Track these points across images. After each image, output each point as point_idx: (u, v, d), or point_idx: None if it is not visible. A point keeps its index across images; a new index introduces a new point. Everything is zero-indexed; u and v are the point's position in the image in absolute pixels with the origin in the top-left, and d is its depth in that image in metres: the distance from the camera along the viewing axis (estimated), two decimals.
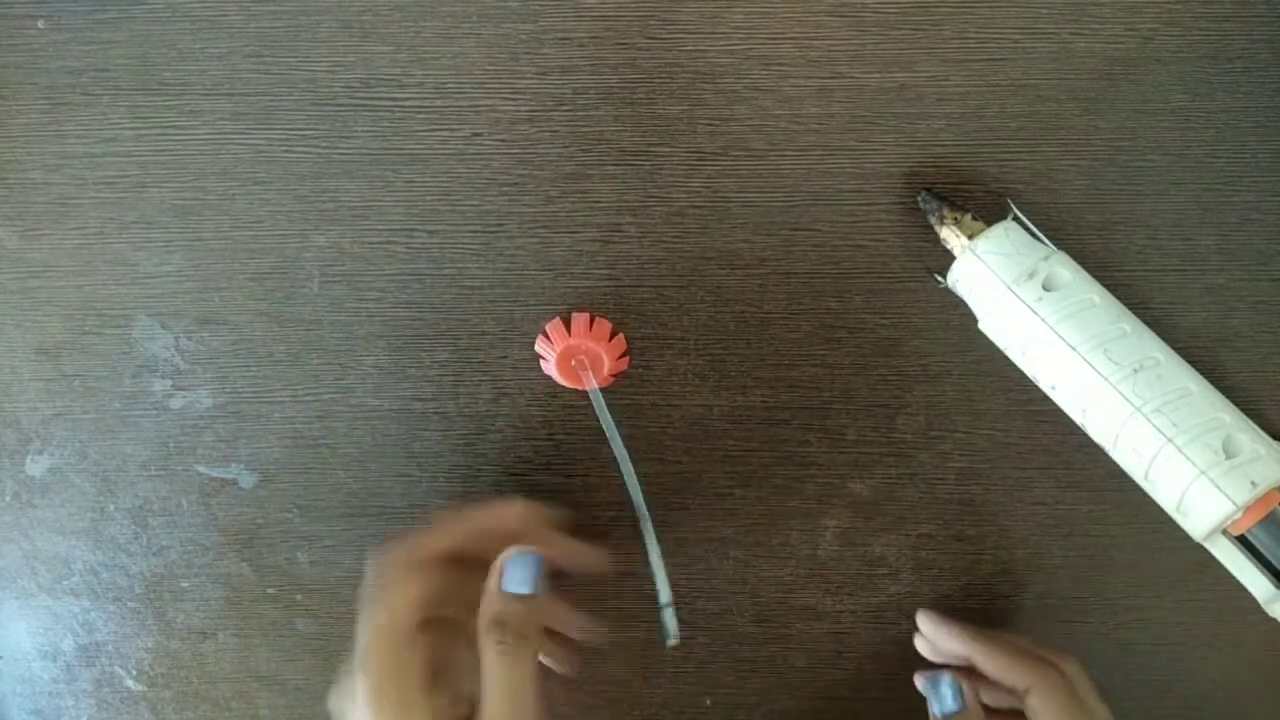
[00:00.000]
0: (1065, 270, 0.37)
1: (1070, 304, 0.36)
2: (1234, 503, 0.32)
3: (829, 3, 0.38)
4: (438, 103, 0.40)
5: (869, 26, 0.39)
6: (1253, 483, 0.33)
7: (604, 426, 0.42)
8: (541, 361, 0.42)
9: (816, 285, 0.42)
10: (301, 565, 0.47)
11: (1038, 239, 0.38)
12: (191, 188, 0.41)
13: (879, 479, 0.45)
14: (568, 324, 0.41)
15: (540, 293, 0.42)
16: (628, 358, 0.43)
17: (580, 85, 0.39)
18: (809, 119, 0.40)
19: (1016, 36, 0.39)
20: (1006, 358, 0.43)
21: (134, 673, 0.49)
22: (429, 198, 0.41)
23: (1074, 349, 0.35)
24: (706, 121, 0.40)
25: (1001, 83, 0.40)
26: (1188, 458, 0.33)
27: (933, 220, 0.38)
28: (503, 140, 0.40)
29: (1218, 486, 0.33)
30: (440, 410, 0.44)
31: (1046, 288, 0.36)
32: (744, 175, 0.41)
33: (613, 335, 0.42)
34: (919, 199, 0.39)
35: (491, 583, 0.36)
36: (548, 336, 0.42)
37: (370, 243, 0.42)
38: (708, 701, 0.49)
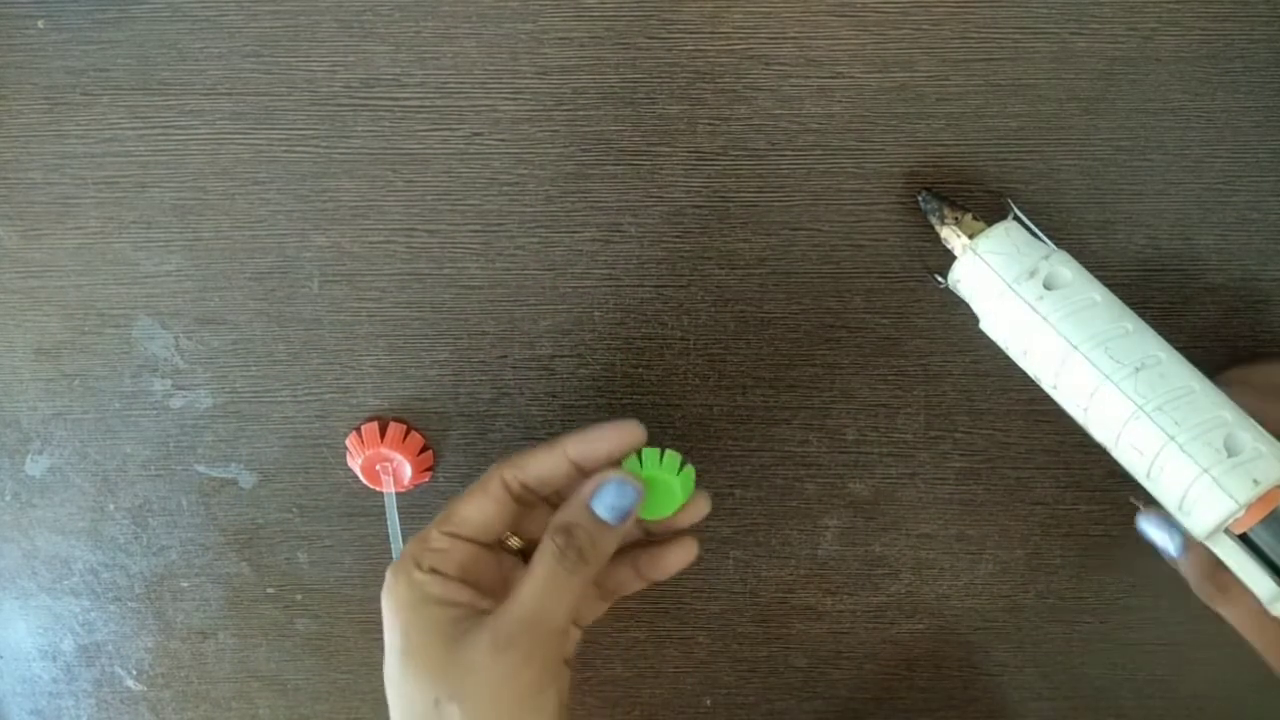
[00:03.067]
0: (1066, 269, 0.36)
1: (1072, 303, 0.35)
2: (1236, 501, 0.32)
3: (829, 3, 0.38)
4: (438, 102, 0.40)
5: (869, 26, 0.39)
6: (1255, 480, 0.32)
7: (389, 529, 0.45)
8: (348, 456, 0.45)
9: (816, 285, 0.42)
10: (301, 565, 0.47)
11: (1038, 238, 0.38)
12: (191, 188, 0.41)
13: (879, 479, 0.45)
14: (383, 429, 0.43)
15: (540, 293, 0.42)
16: (430, 472, 0.45)
17: (580, 85, 0.39)
18: (809, 119, 0.40)
19: (1016, 36, 0.39)
20: (1007, 358, 0.43)
21: (134, 673, 0.49)
22: (429, 197, 0.41)
23: (1076, 347, 0.35)
24: (706, 121, 0.40)
25: (1001, 83, 0.40)
26: (1190, 456, 0.33)
27: (933, 220, 0.38)
28: (503, 140, 0.40)
29: (1220, 485, 0.32)
30: (440, 410, 0.44)
31: (1048, 286, 0.36)
32: (744, 175, 0.41)
33: (422, 450, 0.44)
34: (919, 199, 0.39)
35: (582, 491, 0.35)
36: (360, 436, 0.44)
37: (370, 243, 0.42)
38: (708, 701, 0.49)
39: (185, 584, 0.47)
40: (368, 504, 0.46)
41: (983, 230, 0.38)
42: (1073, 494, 0.45)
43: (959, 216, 0.38)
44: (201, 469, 0.45)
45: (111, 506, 0.46)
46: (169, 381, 0.44)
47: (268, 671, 0.49)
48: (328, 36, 0.39)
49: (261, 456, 0.45)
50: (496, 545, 0.38)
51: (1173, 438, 0.33)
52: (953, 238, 0.38)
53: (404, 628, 0.35)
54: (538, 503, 0.38)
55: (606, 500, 0.35)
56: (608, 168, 0.41)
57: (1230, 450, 0.33)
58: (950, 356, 0.43)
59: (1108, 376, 0.34)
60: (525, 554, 0.38)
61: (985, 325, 0.38)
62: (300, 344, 0.43)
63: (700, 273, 0.42)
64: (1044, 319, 0.35)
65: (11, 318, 0.43)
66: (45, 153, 0.40)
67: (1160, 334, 0.38)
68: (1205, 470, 0.33)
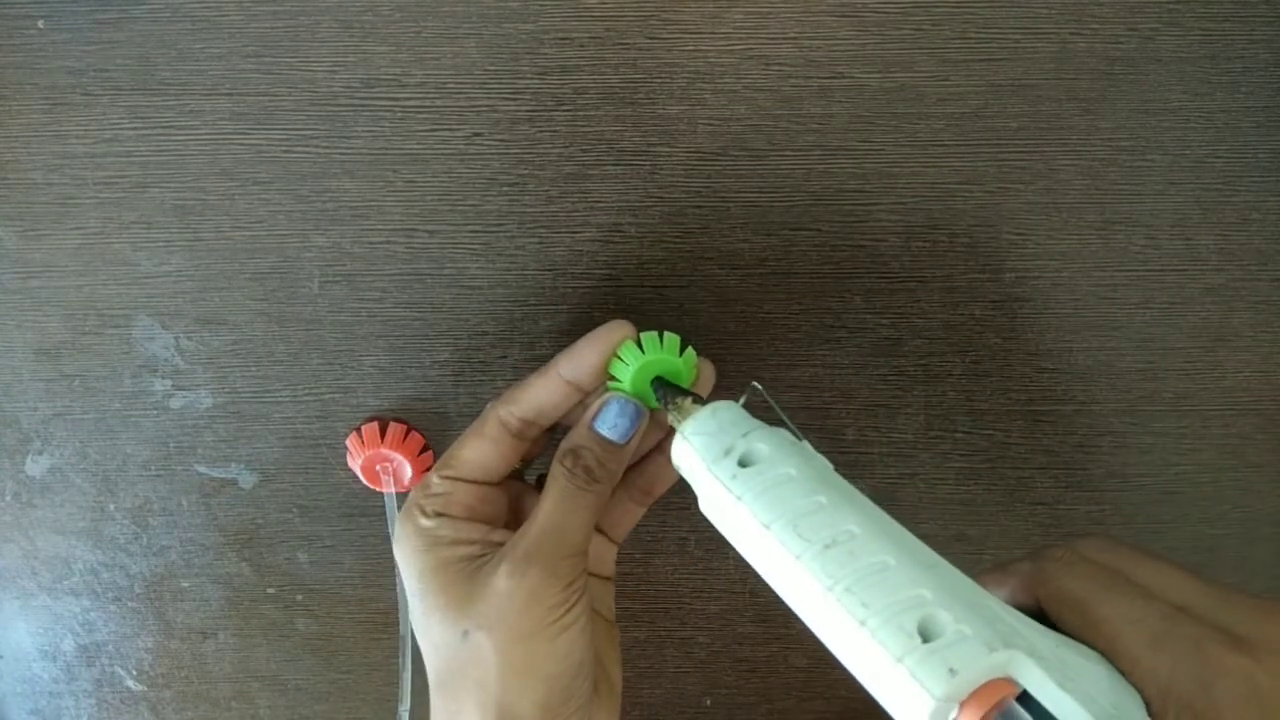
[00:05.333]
0: (764, 444, 0.33)
1: (765, 479, 0.32)
2: (932, 695, 0.26)
3: (829, 3, 0.38)
4: (438, 103, 0.40)
5: (869, 26, 0.39)
6: (951, 670, 0.26)
7: (390, 530, 0.45)
8: (349, 456, 0.44)
9: (816, 285, 0.42)
10: (301, 565, 0.47)
11: (769, 417, 0.35)
12: (192, 188, 0.41)
13: (879, 479, 0.45)
14: (383, 429, 0.43)
15: (540, 293, 0.42)
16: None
17: (580, 85, 0.39)
18: (809, 119, 0.40)
19: (1016, 36, 0.39)
20: (1007, 357, 0.43)
21: (134, 673, 0.49)
22: (429, 198, 0.41)
23: (766, 527, 0.31)
24: (706, 121, 0.40)
25: (1001, 83, 0.40)
26: (880, 643, 0.27)
27: (661, 406, 0.36)
28: (503, 140, 0.40)
29: (914, 676, 0.26)
30: (440, 410, 0.44)
31: (744, 463, 0.33)
32: (744, 175, 0.41)
33: (422, 450, 0.44)
34: (651, 384, 0.37)
35: (585, 416, 0.36)
36: (361, 436, 0.44)
37: (370, 243, 0.42)
38: (708, 701, 0.49)
39: (185, 584, 0.47)
40: (368, 504, 0.46)
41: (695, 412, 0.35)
42: (1073, 494, 0.45)
43: (679, 402, 0.35)
44: (202, 469, 0.45)
45: (111, 506, 0.46)
46: (169, 381, 0.44)
47: (268, 671, 0.49)
48: (328, 36, 0.39)
49: (262, 456, 0.45)
50: (505, 481, 0.38)
51: (863, 622, 0.28)
52: (674, 423, 0.36)
53: (419, 572, 0.35)
54: (543, 435, 0.38)
55: (608, 419, 0.36)
56: (608, 168, 0.41)
57: (926, 634, 0.27)
58: (950, 356, 0.43)
59: (797, 556, 0.30)
60: (540, 481, 0.38)
61: (702, 507, 0.35)
62: (300, 344, 0.43)
63: (700, 273, 0.42)
64: (737, 498, 0.32)
65: (11, 318, 0.43)
66: (45, 153, 0.40)
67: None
68: (898, 660, 0.27)
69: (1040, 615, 0.31)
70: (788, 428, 0.34)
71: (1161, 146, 0.40)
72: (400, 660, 0.46)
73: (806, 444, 0.34)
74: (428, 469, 0.45)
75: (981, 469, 0.45)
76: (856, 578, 0.29)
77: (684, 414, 0.35)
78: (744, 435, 0.33)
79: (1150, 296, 0.42)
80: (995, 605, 0.28)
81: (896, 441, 0.44)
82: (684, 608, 0.48)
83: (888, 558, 0.29)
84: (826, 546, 0.30)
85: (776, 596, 0.47)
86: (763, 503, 0.31)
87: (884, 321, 0.43)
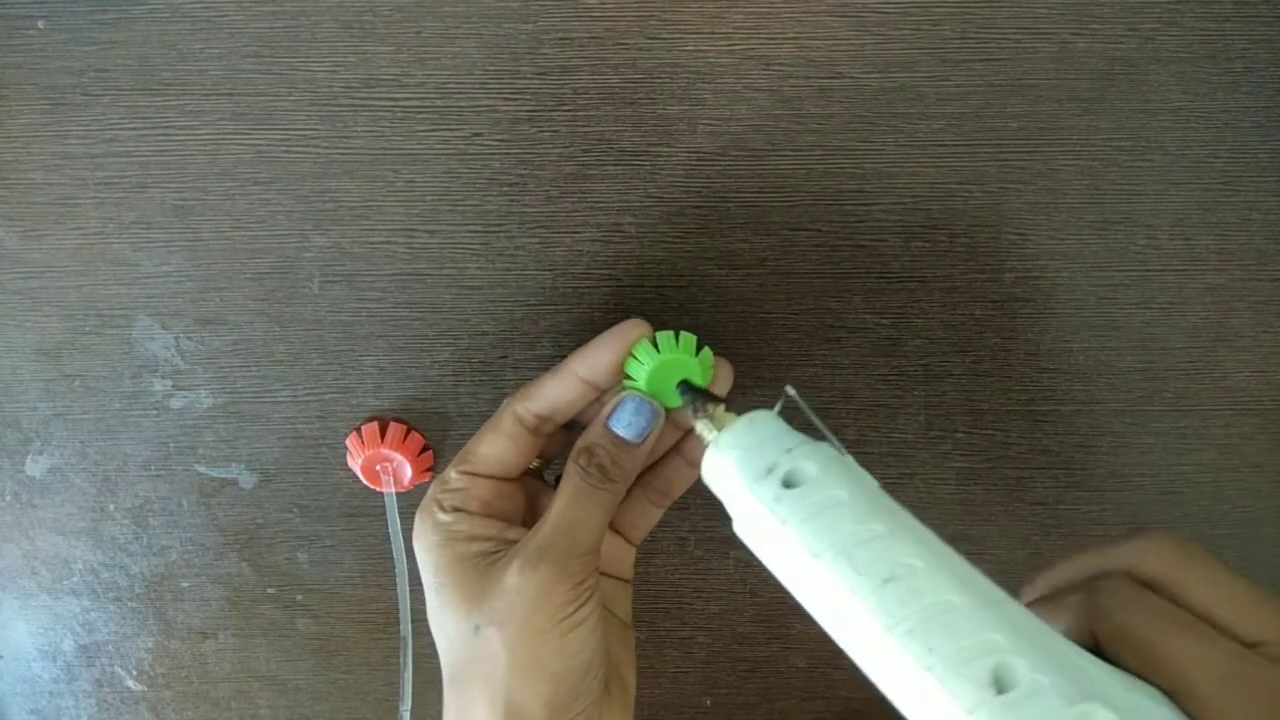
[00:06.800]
0: (810, 463, 0.30)
1: (812, 502, 0.29)
2: None
3: (829, 3, 0.38)
4: (438, 103, 0.40)
5: (869, 26, 0.39)
6: None
7: (390, 530, 0.45)
8: (349, 456, 0.45)
9: (816, 285, 0.42)
10: (301, 565, 0.47)
11: (807, 429, 0.32)
12: (192, 188, 0.41)
13: (879, 479, 0.45)
14: (383, 429, 0.43)
15: (540, 293, 0.42)
16: (430, 472, 0.45)
17: (580, 85, 0.39)
18: (809, 119, 0.40)
19: (1016, 36, 0.39)
20: (1007, 357, 0.43)
21: (134, 673, 0.49)
22: (429, 198, 0.41)
23: (816, 556, 0.28)
24: (706, 121, 0.40)
25: (1001, 83, 0.40)
26: (949, 693, 0.25)
27: (689, 413, 0.34)
28: (503, 140, 0.40)
29: None
30: (440, 410, 0.44)
31: (788, 484, 0.30)
32: (744, 175, 0.41)
33: (422, 450, 0.44)
34: (678, 388, 0.36)
35: (600, 415, 0.36)
36: (361, 436, 0.44)
37: (370, 243, 0.42)
38: (708, 702, 0.49)
39: (185, 584, 0.47)
40: (368, 504, 0.46)
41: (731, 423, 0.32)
42: (1073, 494, 0.45)
43: (710, 410, 0.33)
44: (202, 469, 0.45)
45: (111, 506, 0.46)
46: (169, 382, 0.44)
47: (268, 671, 0.49)
48: (328, 37, 0.39)
49: (262, 457, 0.45)
50: (520, 477, 0.38)
51: (928, 669, 0.25)
52: (705, 433, 0.33)
53: (435, 566, 0.35)
54: (558, 431, 0.38)
55: (624, 418, 0.36)
56: (608, 168, 0.41)
57: (1000, 684, 0.25)
58: (950, 356, 0.43)
59: (853, 590, 0.27)
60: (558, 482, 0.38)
61: (737, 529, 0.32)
62: (300, 344, 0.43)
63: (700, 273, 0.42)
64: (782, 522, 0.29)
65: (11, 318, 0.43)
66: (45, 153, 0.40)
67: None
68: (969, 713, 0.25)
69: (1096, 649, 0.29)
70: (829, 440, 0.32)
71: (1161, 146, 0.40)
72: (400, 660, 0.46)
73: (850, 458, 0.31)
74: (428, 469, 0.45)
75: (981, 469, 0.45)
76: (920, 618, 0.26)
77: (717, 424, 0.32)
78: (787, 451, 0.30)
79: (1150, 296, 0.42)
80: (1065, 646, 0.27)
81: (896, 441, 0.44)
82: (684, 608, 0.48)
83: (953, 596, 0.27)
84: (885, 581, 0.27)
85: (776, 597, 0.47)
86: (812, 529, 0.29)
87: (884, 321, 0.43)
